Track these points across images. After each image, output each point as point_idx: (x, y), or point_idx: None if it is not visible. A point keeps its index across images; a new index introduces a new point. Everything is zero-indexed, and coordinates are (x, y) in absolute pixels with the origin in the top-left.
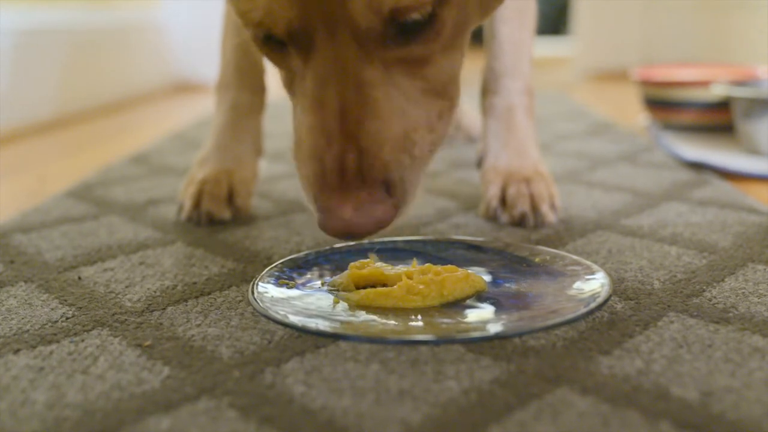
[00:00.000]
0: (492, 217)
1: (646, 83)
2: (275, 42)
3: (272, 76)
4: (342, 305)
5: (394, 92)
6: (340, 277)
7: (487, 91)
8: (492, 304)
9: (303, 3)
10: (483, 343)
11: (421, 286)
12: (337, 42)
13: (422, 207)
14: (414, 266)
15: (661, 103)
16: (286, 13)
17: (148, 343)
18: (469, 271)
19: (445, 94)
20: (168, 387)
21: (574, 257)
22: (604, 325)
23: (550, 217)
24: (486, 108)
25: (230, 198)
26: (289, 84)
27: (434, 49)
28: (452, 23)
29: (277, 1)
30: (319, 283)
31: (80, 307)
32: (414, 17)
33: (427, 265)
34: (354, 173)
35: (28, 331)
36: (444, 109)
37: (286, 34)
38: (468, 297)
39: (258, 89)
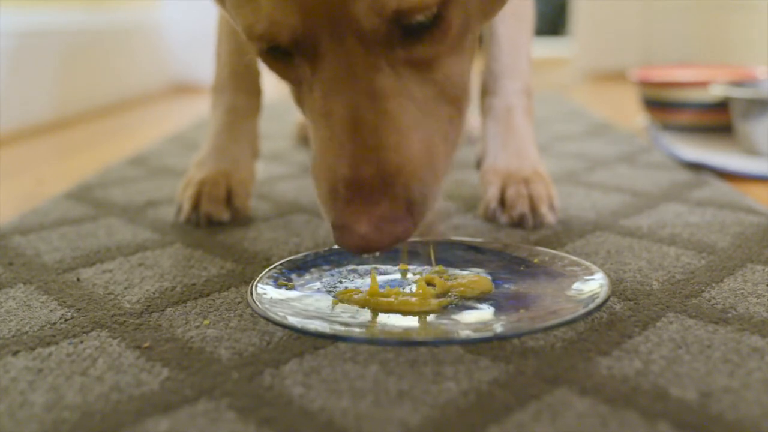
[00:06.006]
0: (491, 218)
1: (645, 84)
2: (281, 53)
3: (267, 78)
4: (341, 306)
5: (408, 103)
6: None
7: (485, 91)
8: (491, 305)
9: (306, 9)
10: (482, 344)
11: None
12: (344, 47)
13: None
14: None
15: (660, 104)
16: (290, 20)
17: (147, 344)
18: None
19: (455, 100)
20: (167, 388)
21: (573, 258)
22: (603, 326)
23: (549, 217)
24: (485, 109)
25: (229, 199)
26: (299, 98)
27: (441, 50)
28: (458, 24)
29: (280, 10)
30: (318, 284)
31: (79, 309)
32: (419, 19)
33: (439, 266)
34: (373, 186)
35: (26, 332)
36: (454, 116)
37: (291, 42)
38: (470, 298)
39: (253, 91)
